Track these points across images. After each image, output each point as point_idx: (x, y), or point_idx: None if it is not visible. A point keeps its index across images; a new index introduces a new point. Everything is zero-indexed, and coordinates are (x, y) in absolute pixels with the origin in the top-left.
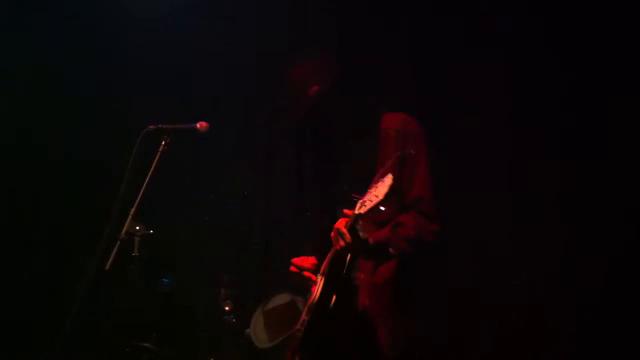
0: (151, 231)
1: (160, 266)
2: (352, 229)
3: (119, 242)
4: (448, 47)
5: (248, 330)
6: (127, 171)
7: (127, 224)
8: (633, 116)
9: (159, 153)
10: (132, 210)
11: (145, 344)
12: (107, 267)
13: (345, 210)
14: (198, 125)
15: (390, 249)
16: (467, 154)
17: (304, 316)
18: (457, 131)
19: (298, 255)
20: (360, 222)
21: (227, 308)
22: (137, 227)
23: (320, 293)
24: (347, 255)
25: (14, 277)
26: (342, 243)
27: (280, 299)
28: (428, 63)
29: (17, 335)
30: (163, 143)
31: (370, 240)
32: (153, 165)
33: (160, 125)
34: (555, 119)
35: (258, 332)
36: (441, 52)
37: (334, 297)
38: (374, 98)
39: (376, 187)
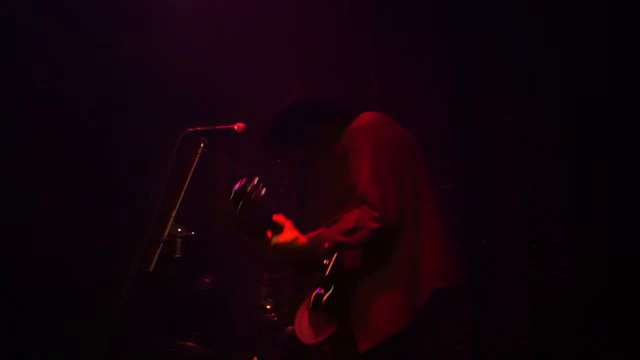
0: (192, 232)
1: (200, 266)
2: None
3: (161, 245)
4: None
5: (291, 327)
6: (166, 174)
7: (168, 226)
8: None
9: (197, 155)
10: (173, 212)
11: (189, 343)
12: (150, 270)
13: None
14: (235, 127)
15: (325, 244)
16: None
17: None
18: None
19: None
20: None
21: (267, 306)
22: (179, 229)
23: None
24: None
25: (57, 280)
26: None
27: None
28: None
29: (63, 336)
30: (202, 145)
31: (304, 240)
32: (192, 167)
33: (198, 128)
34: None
35: (303, 327)
36: None
37: (326, 296)
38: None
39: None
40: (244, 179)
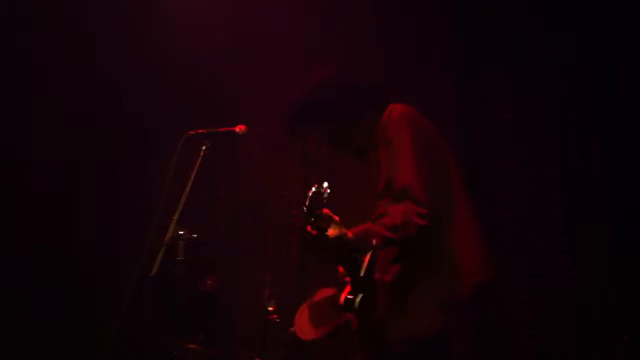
0: (195, 235)
1: (203, 268)
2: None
3: (164, 248)
4: None
5: (292, 329)
6: (168, 177)
7: (171, 229)
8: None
9: (199, 158)
10: (175, 215)
11: (192, 345)
12: (152, 273)
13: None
14: (237, 129)
15: (373, 240)
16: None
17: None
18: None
19: None
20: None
21: (270, 308)
22: (181, 232)
23: (348, 293)
24: (363, 257)
25: (60, 283)
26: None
27: (326, 292)
28: None
29: (66, 339)
30: (204, 148)
31: (350, 235)
32: (194, 170)
33: (199, 130)
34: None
35: (303, 324)
36: None
37: (359, 297)
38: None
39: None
40: (316, 184)
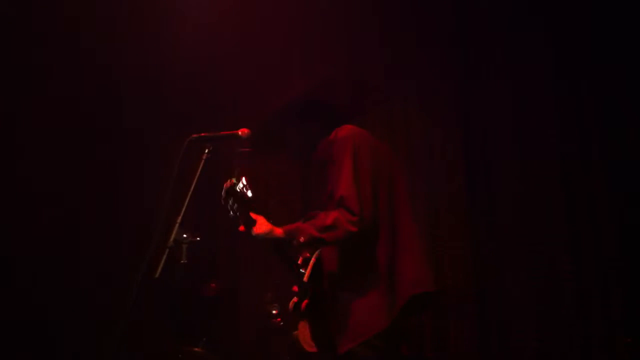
0: (198, 238)
1: (206, 271)
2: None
3: (167, 250)
4: None
5: (296, 332)
6: (171, 180)
7: (174, 232)
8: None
9: (202, 161)
10: (179, 219)
11: (196, 349)
12: (156, 276)
13: None
14: (240, 132)
15: (300, 238)
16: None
17: None
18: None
19: None
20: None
21: (273, 311)
22: (184, 235)
23: (295, 300)
24: (306, 266)
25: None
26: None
27: None
28: None
29: (69, 343)
30: (206, 151)
31: (278, 231)
32: (197, 174)
33: (202, 134)
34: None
35: (306, 336)
36: None
37: (292, 302)
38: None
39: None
40: (232, 179)
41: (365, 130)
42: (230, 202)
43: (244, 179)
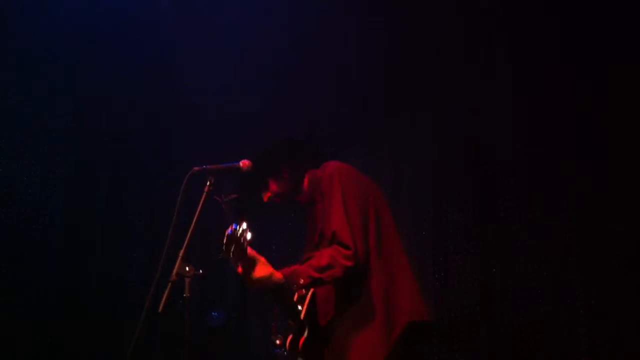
0: (200, 271)
1: (210, 302)
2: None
3: (170, 285)
4: None
5: None
6: (175, 213)
7: (177, 266)
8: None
9: (204, 194)
10: (181, 252)
11: None
12: (160, 310)
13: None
14: (241, 164)
15: (300, 280)
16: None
17: None
18: None
19: None
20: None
21: (278, 342)
22: (187, 268)
23: (291, 337)
24: (302, 304)
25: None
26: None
27: None
28: None
29: None
30: (208, 183)
31: (279, 276)
32: (199, 206)
33: (205, 166)
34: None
35: None
36: None
37: (289, 339)
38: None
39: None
40: (234, 224)
41: (349, 165)
42: (232, 249)
43: (244, 223)
